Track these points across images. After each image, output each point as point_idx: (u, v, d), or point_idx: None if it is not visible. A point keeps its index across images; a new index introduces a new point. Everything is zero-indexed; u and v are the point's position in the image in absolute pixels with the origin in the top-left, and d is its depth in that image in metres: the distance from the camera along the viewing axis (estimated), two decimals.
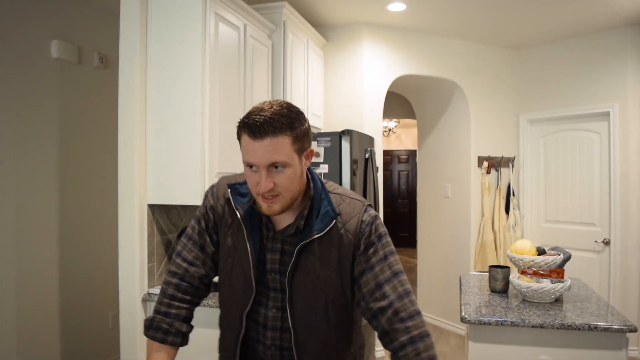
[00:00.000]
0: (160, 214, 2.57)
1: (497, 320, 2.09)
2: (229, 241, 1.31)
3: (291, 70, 3.32)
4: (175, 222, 2.70)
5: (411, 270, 8.07)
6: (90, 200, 3.57)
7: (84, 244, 3.52)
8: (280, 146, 1.12)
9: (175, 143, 2.41)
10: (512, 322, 2.07)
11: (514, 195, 4.85)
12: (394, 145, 10.36)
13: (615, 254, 4.15)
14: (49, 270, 3.25)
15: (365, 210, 1.27)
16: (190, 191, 2.39)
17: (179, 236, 2.55)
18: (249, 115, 1.13)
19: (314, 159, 3.08)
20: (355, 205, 1.27)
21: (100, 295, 3.61)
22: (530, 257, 2.45)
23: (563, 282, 2.29)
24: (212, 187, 1.40)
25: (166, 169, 2.43)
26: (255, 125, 1.10)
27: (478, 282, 2.77)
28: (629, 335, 2.04)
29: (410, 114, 6.27)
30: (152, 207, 2.50)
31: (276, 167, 1.14)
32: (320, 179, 1.30)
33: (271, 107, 1.13)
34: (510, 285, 2.52)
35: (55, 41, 3.21)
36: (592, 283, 4.04)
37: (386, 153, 9.73)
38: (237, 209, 1.28)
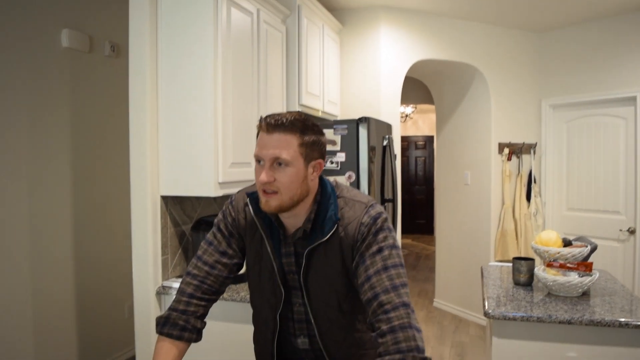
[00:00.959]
0: (174, 205, 2.52)
1: (523, 316, 2.00)
2: (253, 250, 1.41)
3: (306, 56, 3.23)
4: (190, 213, 2.65)
5: (428, 258, 8.00)
6: (104, 190, 3.54)
7: (99, 234, 3.51)
8: (286, 144, 1.22)
9: (187, 133, 2.34)
10: (538, 318, 1.98)
11: (535, 182, 4.72)
12: (410, 131, 10.23)
13: None
14: (64, 261, 3.25)
15: (366, 212, 1.31)
16: (203, 182, 2.32)
17: (194, 228, 2.50)
18: (269, 114, 1.26)
19: (331, 148, 3.00)
20: (357, 209, 1.32)
21: (116, 286, 3.61)
22: (556, 249, 2.34)
23: (591, 276, 2.19)
24: (231, 201, 1.47)
25: (178, 159, 2.36)
26: (271, 122, 1.23)
27: (499, 274, 2.68)
28: None
29: (428, 99, 6.15)
30: (165, 199, 2.44)
31: (279, 164, 1.23)
32: (332, 185, 1.37)
33: (291, 114, 1.25)
34: (534, 277, 2.42)
35: (66, 30, 3.16)
36: (615, 273, 3.92)
37: (403, 139, 9.62)
38: (256, 217, 1.36)
